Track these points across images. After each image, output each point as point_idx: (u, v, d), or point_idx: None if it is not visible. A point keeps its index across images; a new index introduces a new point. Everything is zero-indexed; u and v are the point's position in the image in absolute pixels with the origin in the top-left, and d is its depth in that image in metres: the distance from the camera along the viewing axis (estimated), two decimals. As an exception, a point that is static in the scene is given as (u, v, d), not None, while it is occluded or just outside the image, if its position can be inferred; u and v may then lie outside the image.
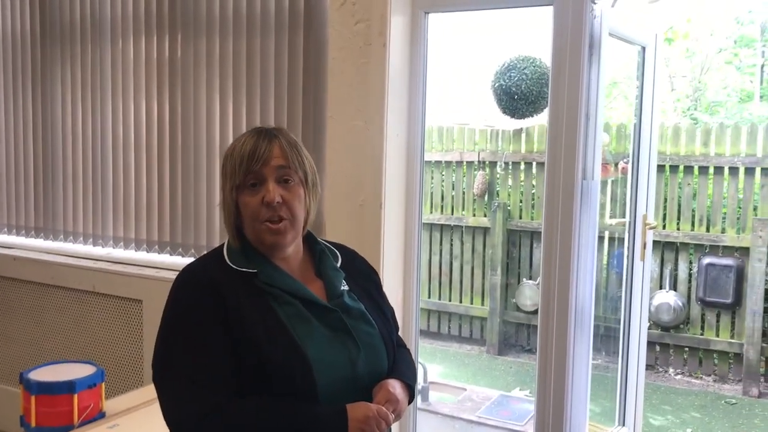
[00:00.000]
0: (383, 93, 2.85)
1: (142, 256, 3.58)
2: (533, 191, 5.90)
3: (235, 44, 3.23)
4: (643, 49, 3.21)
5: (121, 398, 2.43)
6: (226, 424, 1.30)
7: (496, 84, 4.69)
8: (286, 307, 1.40)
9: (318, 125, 3.08)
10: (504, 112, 4.74)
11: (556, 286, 2.73)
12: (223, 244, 1.51)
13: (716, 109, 22.37)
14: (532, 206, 5.88)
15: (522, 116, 4.67)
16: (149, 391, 2.46)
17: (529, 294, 5.78)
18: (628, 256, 3.32)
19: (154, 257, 3.53)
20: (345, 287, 1.52)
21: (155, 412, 2.27)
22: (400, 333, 1.77)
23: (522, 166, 5.85)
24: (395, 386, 1.43)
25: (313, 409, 1.32)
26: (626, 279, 3.34)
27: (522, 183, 5.86)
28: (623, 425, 3.44)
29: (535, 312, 5.61)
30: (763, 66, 25.64)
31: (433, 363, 5.52)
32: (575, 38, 2.65)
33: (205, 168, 3.38)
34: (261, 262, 1.44)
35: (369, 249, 2.90)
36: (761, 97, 24.83)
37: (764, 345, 4.96)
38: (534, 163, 5.85)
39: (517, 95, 4.53)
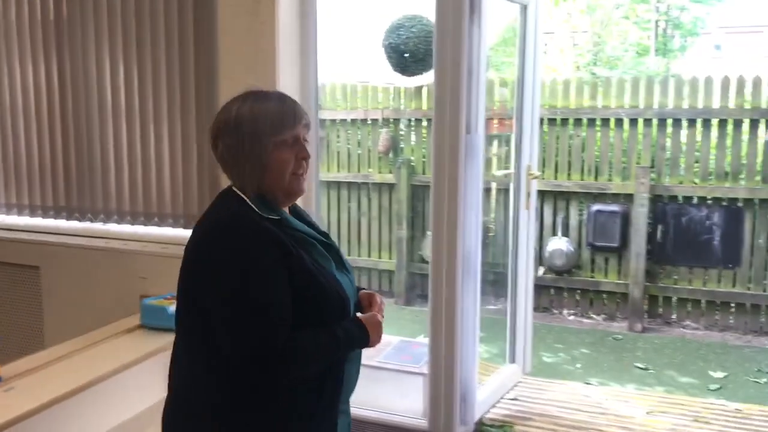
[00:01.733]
0: (274, 50, 2.89)
1: (38, 222, 3.52)
2: (435, 147, 6.07)
3: (124, 3, 3.18)
4: (524, 7, 3.36)
5: (19, 363, 2.44)
6: (298, 351, 1.50)
7: (386, 42, 4.79)
8: (311, 247, 1.59)
9: (211, 84, 3.09)
10: (395, 70, 4.86)
11: (445, 236, 2.90)
12: (231, 197, 1.57)
13: (615, 63, 23.21)
14: (435, 161, 6.06)
15: (412, 73, 4.81)
16: (47, 354, 2.49)
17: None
18: (514, 205, 3.53)
19: (50, 223, 3.48)
20: None
21: (52, 373, 2.32)
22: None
23: (424, 123, 5.99)
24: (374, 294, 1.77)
25: (343, 327, 1.57)
26: (512, 226, 3.55)
27: (424, 139, 6.02)
28: (513, 362, 3.70)
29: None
30: (657, 21, 26.68)
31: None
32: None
33: (98, 130, 3.34)
34: (278, 211, 1.58)
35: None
36: (656, 51, 25.88)
37: (647, 284, 5.37)
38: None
39: (406, 53, 4.66)
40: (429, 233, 6.05)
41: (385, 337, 2.98)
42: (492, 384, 3.43)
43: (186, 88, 3.15)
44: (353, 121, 6.30)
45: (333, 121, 6.37)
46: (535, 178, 3.55)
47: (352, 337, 1.59)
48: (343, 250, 6.49)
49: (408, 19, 4.77)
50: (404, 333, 4.92)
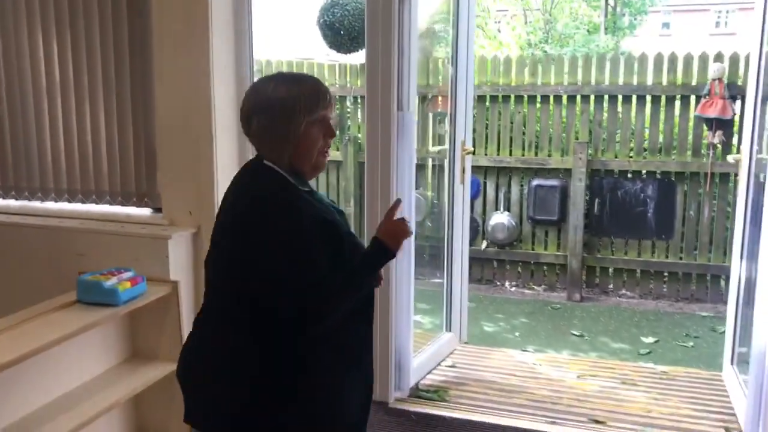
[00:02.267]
0: (207, 27, 2.91)
1: (-28, 200, 3.49)
2: (381, 123, 6.14)
3: (54, -21, 3.15)
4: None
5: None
6: (334, 295, 1.67)
7: (321, 20, 4.83)
8: (337, 215, 1.79)
9: (145, 61, 3.10)
10: (330, 48, 4.91)
11: (379, 212, 2.99)
12: (266, 171, 1.71)
13: (566, 41, 23.45)
14: (381, 138, 6.13)
15: (347, 51, 4.86)
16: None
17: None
18: (449, 180, 3.63)
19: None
20: None
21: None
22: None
23: (370, 100, 6.04)
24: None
25: (364, 253, 1.75)
26: (448, 201, 3.66)
27: (370, 116, 6.08)
28: (450, 331, 3.83)
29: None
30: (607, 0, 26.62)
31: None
32: (386, -25, 2.81)
33: (32, 107, 3.32)
34: (308, 184, 1.77)
35: (203, 183, 3.01)
36: (606, 29, 26.11)
37: (585, 255, 5.57)
38: (381, 96, 6.07)
39: (342, 31, 4.71)
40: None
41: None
42: (428, 352, 3.56)
43: (120, 65, 3.15)
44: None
45: (280, 98, 6.36)
46: (469, 153, 3.66)
47: (368, 257, 1.74)
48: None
49: None
50: (350, 307, 5.01)
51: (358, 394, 1.82)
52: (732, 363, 3.39)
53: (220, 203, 1.79)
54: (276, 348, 1.66)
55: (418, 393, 3.30)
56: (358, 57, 5.34)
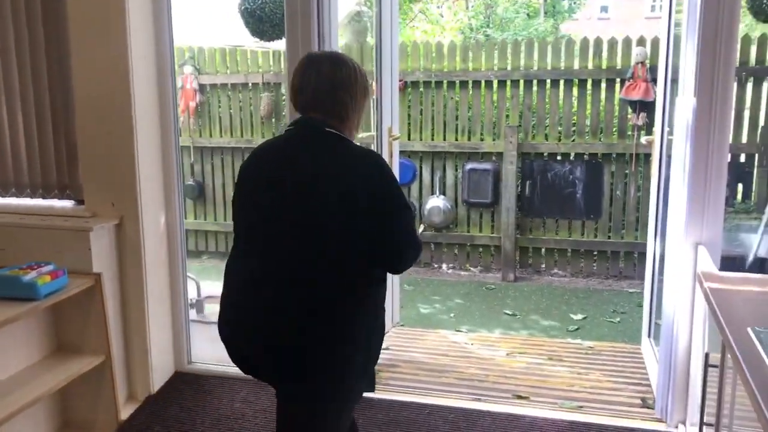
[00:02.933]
0: (124, 14, 2.87)
1: None
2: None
3: (-37, -34, 3.06)
4: (379, -28, 3.47)
5: None
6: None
7: (243, 7, 4.79)
8: None
9: (61, 50, 3.04)
10: (253, 35, 4.87)
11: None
12: (343, 137, 1.91)
13: (507, 25, 23.70)
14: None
15: (270, 38, 4.83)
16: None
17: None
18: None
19: None
20: None
21: None
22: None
23: (304, 86, 6.03)
24: None
25: None
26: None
27: (305, 102, 6.07)
28: (382, 314, 3.89)
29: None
30: (547, -18, 26.58)
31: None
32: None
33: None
34: None
35: (125, 174, 2.99)
36: (546, 12, 26.46)
37: (518, 236, 5.71)
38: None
39: (263, 18, 4.67)
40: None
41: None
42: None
43: (37, 56, 3.08)
44: (234, 85, 6.26)
45: (213, 85, 6.32)
46: (396, 139, 3.70)
47: None
48: (228, 216, 6.58)
49: None
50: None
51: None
52: (649, 336, 3.54)
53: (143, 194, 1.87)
54: (377, 290, 1.90)
55: (348, 376, 3.35)
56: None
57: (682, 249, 2.59)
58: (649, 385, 3.33)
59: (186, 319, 3.37)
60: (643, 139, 3.34)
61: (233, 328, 1.88)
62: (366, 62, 4.95)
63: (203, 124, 6.41)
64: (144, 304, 3.11)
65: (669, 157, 3.11)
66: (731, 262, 2.84)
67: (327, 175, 1.80)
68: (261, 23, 4.69)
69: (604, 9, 33.42)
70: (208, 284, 4.73)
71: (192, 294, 4.03)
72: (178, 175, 3.24)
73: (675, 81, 3.20)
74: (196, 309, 4.22)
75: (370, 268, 1.82)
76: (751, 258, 3.17)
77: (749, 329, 1.53)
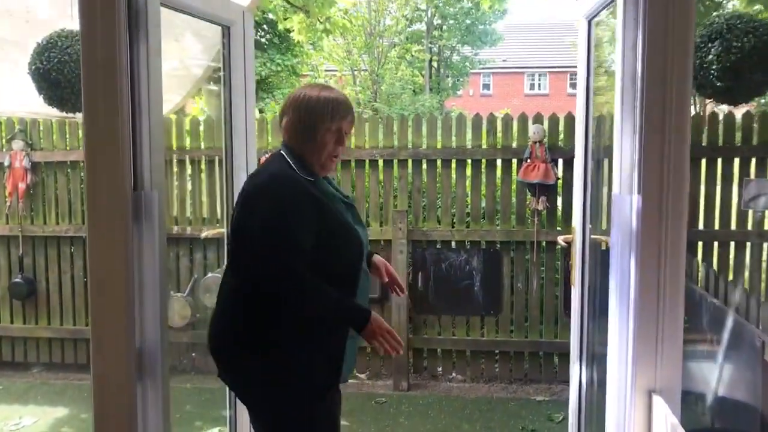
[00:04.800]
0: None
1: None
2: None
3: None
4: (228, 28, 2.72)
5: None
6: (307, 286, 1.96)
7: (33, 66, 3.82)
8: (337, 202, 2.12)
9: None
10: (50, 104, 3.90)
11: (114, 337, 2.13)
12: (281, 159, 2.10)
13: (393, 100, 23.70)
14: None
15: (73, 109, 3.85)
16: None
17: (177, 308, 5.12)
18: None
19: None
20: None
21: None
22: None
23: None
24: (380, 257, 2.43)
25: (351, 300, 2.06)
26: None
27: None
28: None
29: (186, 328, 5.00)
30: (431, 60, 27.79)
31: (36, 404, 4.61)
32: (107, 7, 2.04)
33: None
34: (314, 174, 2.10)
35: None
36: (431, 89, 26.87)
37: (411, 337, 4.96)
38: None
39: (61, 82, 3.73)
40: (173, 294, 5.24)
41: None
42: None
43: None
44: (74, 163, 5.26)
45: (49, 163, 5.30)
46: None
47: (355, 309, 2.03)
48: (60, 318, 5.40)
49: (63, 37, 3.80)
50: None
51: (322, 365, 2.06)
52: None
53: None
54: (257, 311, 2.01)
55: None
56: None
57: (631, 397, 1.89)
58: None
59: None
60: (560, 239, 2.71)
61: None
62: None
63: (35, 209, 5.34)
64: None
65: (597, 263, 2.48)
66: (689, 406, 2.19)
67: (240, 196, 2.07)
68: (58, 89, 3.72)
69: (486, 86, 34.61)
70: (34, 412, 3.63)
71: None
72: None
73: (598, 163, 2.61)
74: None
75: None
76: (710, 399, 2.55)
77: None
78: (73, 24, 3.65)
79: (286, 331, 2.00)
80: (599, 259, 2.51)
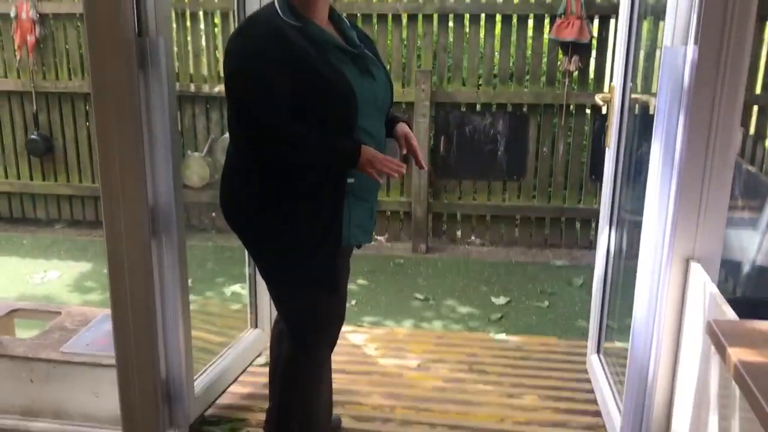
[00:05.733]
0: None
1: None
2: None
3: None
4: None
5: None
6: (284, 134, 1.86)
7: None
8: (328, 51, 1.90)
9: None
10: None
11: (121, 187, 2.04)
12: (271, 4, 1.91)
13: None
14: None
15: None
16: None
17: (196, 168, 5.06)
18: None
19: None
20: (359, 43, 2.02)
21: None
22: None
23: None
24: (404, 126, 2.13)
25: (336, 137, 1.88)
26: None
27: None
28: (256, 327, 3.01)
29: (206, 188, 4.95)
30: None
31: (60, 259, 4.68)
32: None
33: None
34: (302, 19, 1.89)
35: None
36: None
37: (431, 201, 4.89)
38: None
39: None
40: (191, 153, 5.16)
41: (83, 310, 2.58)
42: (221, 365, 2.71)
43: None
44: (83, 15, 5.02)
45: (57, 15, 5.06)
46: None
47: (341, 145, 1.87)
48: (78, 175, 5.38)
49: None
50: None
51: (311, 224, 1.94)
52: (598, 352, 2.81)
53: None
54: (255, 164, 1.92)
55: (202, 429, 2.47)
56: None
57: (666, 264, 1.80)
58: (599, 414, 2.62)
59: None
60: (597, 97, 2.53)
61: None
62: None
63: (47, 63, 5.17)
64: None
65: (636, 124, 2.32)
66: (723, 270, 2.10)
67: None
68: None
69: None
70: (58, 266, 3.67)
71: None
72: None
73: (639, 19, 2.37)
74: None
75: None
76: (747, 267, 2.45)
77: None
78: None
79: (273, 187, 1.91)
80: (639, 121, 2.34)
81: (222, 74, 1.92)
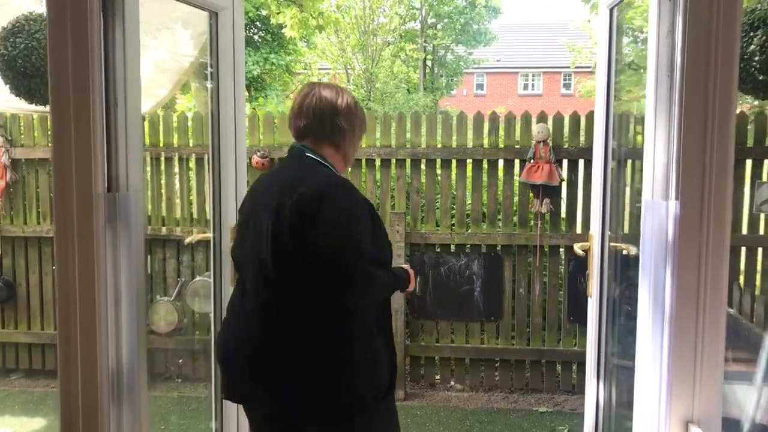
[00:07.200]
0: None
1: None
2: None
3: None
4: (215, 14, 2.50)
5: None
6: (379, 279, 2.00)
7: None
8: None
9: None
10: (16, 94, 3.61)
11: (80, 352, 1.91)
12: (319, 164, 2.04)
13: (387, 99, 23.50)
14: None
15: (43, 100, 3.59)
16: None
17: (163, 313, 4.89)
18: (215, 272, 2.63)
19: None
20: None
21: None
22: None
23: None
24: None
25: (393, 269, 2.14)
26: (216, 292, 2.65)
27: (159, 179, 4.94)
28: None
29: (173, 334, 4.77)
30: (425, 59, 27.64)
31: (13, 415, 4.38)
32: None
33: None
34: None
35: None
36: (425, 88, 26.72)
37: (407, 344, 4.75)
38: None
39: (29, 70, 3.43)
40: (159, 298, 5.01)
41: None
42: None
43: None
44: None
45: (30, 160, 5.06)
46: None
47: (401, 277, 2.16)
48: (40, 322, 5.17)
49: (29, 20, 3.47)
50: None
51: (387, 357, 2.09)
52: None
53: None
54: (355, 325, 1.99)
55: None
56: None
57: (664, 430, 1.68)
58: None
59: None
60: (576, 246, 2.49)
61: None
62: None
63: (16, 208, 5.10)
64: None
65: (617, 271, 2.28)
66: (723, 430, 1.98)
67: (287, 204, 1.89)
68: (25, 78, 3.41)
69: (480, 86, 34.41)
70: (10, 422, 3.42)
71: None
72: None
73: (620, 162, 2.40)
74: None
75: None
76: (747, 426, 2.34)
77: None
78: (42, 7, 3.39)
79: (342, 333, 1.97)
80: (620, 268, 2.30)
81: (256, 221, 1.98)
